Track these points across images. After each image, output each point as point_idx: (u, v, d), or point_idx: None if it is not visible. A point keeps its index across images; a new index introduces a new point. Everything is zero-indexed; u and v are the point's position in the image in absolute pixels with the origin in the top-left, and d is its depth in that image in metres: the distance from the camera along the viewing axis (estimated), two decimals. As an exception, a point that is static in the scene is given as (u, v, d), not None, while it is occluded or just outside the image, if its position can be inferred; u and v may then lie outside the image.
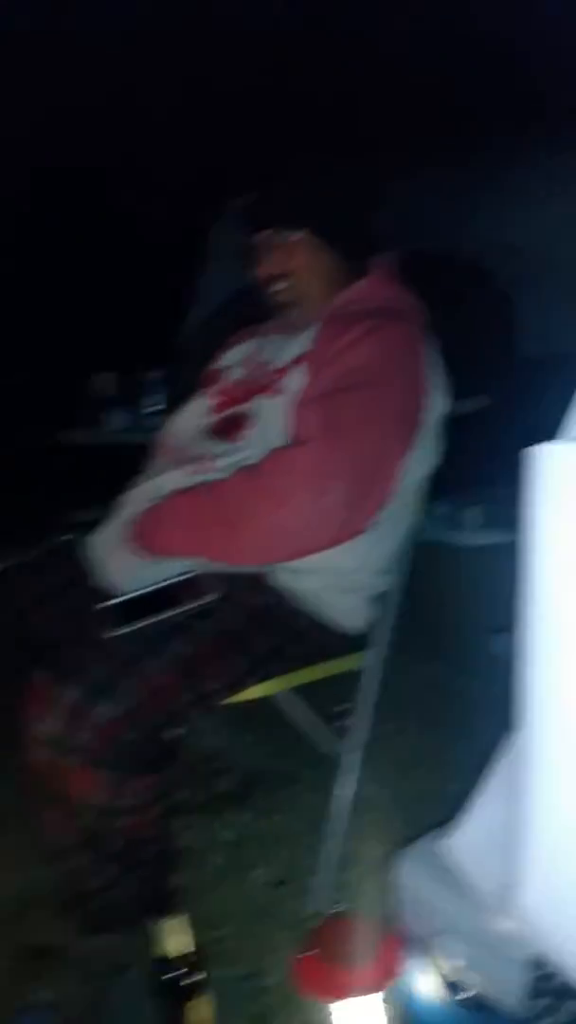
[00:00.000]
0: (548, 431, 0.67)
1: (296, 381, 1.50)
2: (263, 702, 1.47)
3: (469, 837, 0.94)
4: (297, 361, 1.52)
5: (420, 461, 1.52)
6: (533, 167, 2.34)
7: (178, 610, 1.38)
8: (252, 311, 1.77)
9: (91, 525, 1.64)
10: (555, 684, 0.57)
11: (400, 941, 1.04)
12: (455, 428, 1.58)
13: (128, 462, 1.86)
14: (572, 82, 2.45)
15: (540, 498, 0.56)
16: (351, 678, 1.56)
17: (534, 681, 0.59)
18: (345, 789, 1.49)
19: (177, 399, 2.68)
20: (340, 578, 1.49)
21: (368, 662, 1.55)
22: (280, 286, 1.60)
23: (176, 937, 1.16)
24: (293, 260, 1.58)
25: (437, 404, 1.52)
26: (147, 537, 1.44)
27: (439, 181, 2.45)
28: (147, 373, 2.87)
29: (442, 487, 1.64)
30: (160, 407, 2.81)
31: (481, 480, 2.27)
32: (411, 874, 1.08)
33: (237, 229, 2.95)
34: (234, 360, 1.72)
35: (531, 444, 0.61)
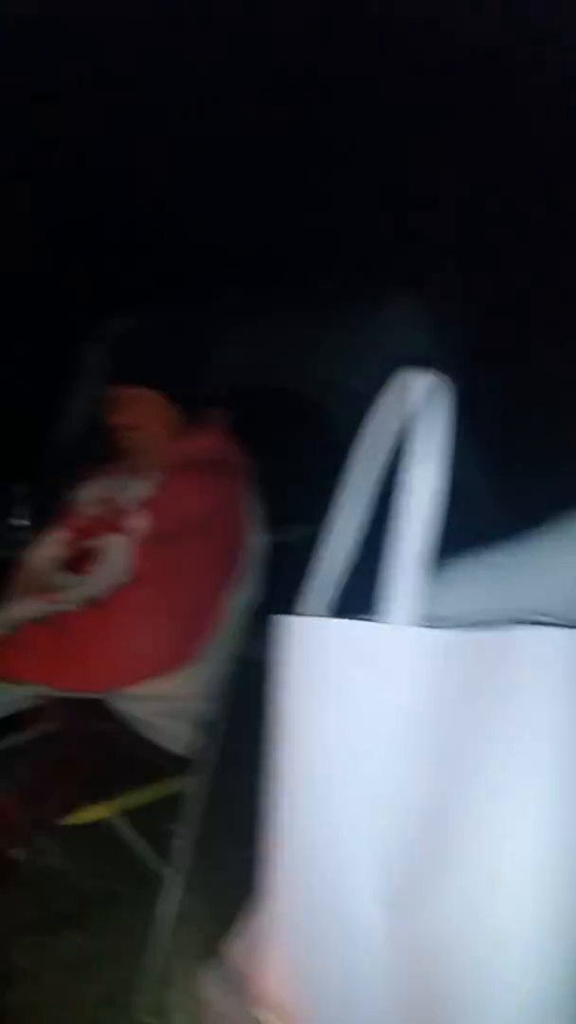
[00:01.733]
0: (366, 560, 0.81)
1: (138, 522, 1.66)
2: (100, 822, 1.56)
3: (246, 939, 1.07)
4: (140, 504, 1.69)
5: (242, 596, 1.71)
6: (354, 315, 2.59)
7: (22, 736, 1.48)
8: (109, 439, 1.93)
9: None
10: (278, 811, 0.72)
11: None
12: (285, 553, 1.77)
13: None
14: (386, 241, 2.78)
15: (278, 664, 0.71)
16: (183, 798, 1.67)
17: (269, 805, 0.74)
18: (168, 909, 1.59)
19: (41, 515, 2.80)
20: (170, 704, 1.64)
21: (194, 785, 1.67)
22: (126, 433, 1.78)
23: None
24: (138, 413, 1.77)
25: (256, 547, 1.72)
26: None
27: (279, 322, 2.67)
28: (13, 487, 2.97)
29: (271, 608, 1.81)
30: (25, 522, 2.91)
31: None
32: (210, 986, 1.19)
33: (100, 352, 3.14)
34: (87, 496, 1.87)
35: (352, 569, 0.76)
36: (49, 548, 1.80)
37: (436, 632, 0.62)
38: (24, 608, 1.66)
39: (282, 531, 1.78)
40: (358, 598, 0.72)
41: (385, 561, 0.65)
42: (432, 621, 0.72)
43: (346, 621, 0.65)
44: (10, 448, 3.58)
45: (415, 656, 0.62)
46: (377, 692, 0.63)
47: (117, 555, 1.66)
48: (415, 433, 0.65)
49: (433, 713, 0.62)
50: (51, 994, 1.73)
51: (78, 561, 1.71)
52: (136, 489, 1.73)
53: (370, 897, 0.62)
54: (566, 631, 0.60)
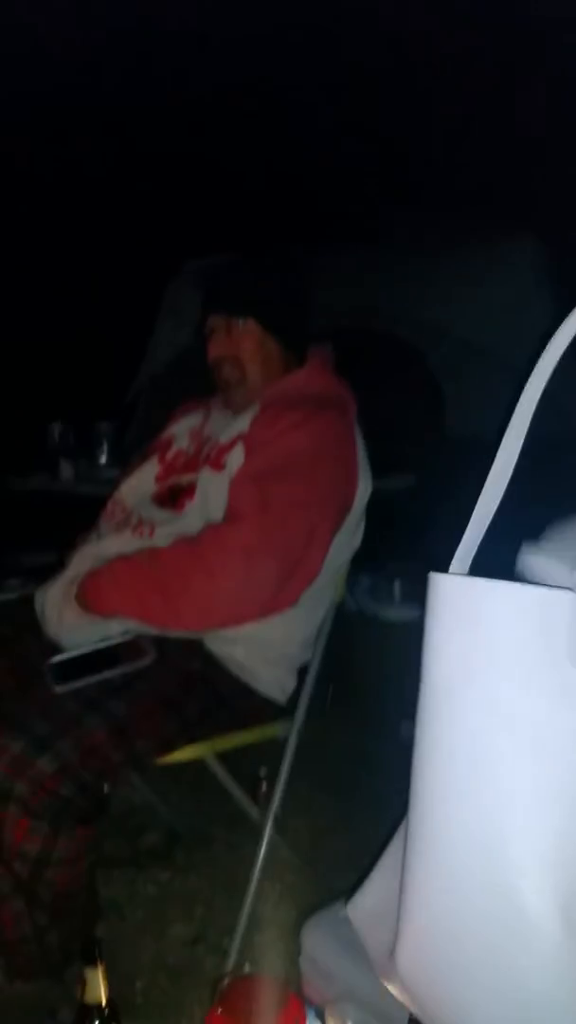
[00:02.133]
0: (470, 511, 0.76)
1: (236, 459, 1.60)
2: (193, 762, 1.53)
3: (365, 904, 1.02)
4: (238, 439, 1.62)
5: (346, 542, 1.64)
6: (462, 256, 2.47)
7: (117, 671, 1.45)
8: (197, 376, 1.87)
9: (43, 571, 1.72)
10: (433, 784, 0.66)
11: (301, 1005, 1.11)
12: (382, 503, 1.69)
13: (79, 510, 1.93)
14: (498, 178, 2.63)
15: (432, 620, 0.65)
16: (274, 744, 1.64)
17: (420, 776, 0.67)
18: (260, 852, 1.56)
19: (126, 453, 2.78)
20: (266, 649, 1.58)
21: (288, 730, 1.63)
22: (227, 367, 1.71)
23: (95, 988, 1.21)
24: (240, 345, 1.69)
25: (363, 489, 1.64)
26: (90, 597, 1.52)
27: (374, 264, 2.57)
28: (100, 425, 2.96)
29: (366, 559, 1.75)
30: (109, 459, 2.90)
31: (404, 554, 2.37)
32: (313, 940, 1.16)
33: (189, 289, 3.07)
34: (181, 431, 1.81)
35: (454, 522, 0.71)
36: (141, 482, 1.75)
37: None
38: (116, 542, 1.62)
39: (380, 479, 1.70)
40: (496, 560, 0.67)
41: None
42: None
43: (517, 585, 0.58)
44: (96, 387, 3.58)
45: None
46: (559, 664, 0.55)
47: (212, 492, 1.60)
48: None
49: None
50: (138, 930, 1.74)
51: (171, 497, 1.66)
52: (234, 424, 1.66)
53: (546, 898, 0.54)
54: None
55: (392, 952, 0.79)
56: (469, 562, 0.67)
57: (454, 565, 0.69)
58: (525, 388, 0.65)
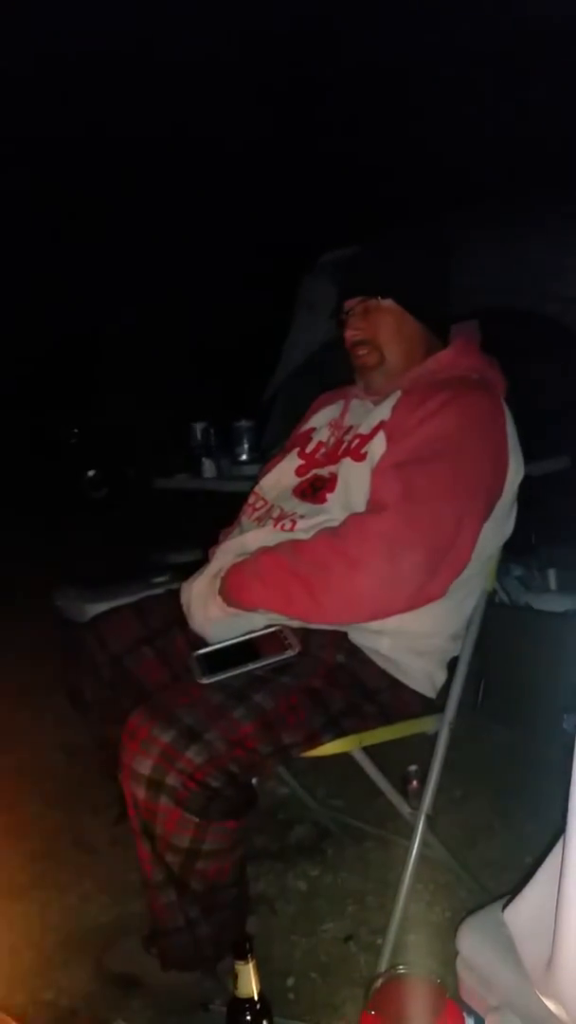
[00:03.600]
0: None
1: (378, 448, 1.55)
2: (339, 756, 1.51)
3: (523, 910, 0.96)
4: (380, 427, 1.58)
5: (496, 529, 1.56)
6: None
7: (261, 663, 1.45)
8: (336, 367, 1.84)
9: (188, 567, 1.74)
10: None
11: (459, 1011, 1.05)
12: (533, 488, 1.60)
13: (222, 507, 1.96)
14: None
15: None
16: (423, 740, 1.58)
17: None
18: (412, 851, 1.52)
19: (265, 449, 2.79)
20: (415, 641, 1.53)
21: (440, 725, 1.57)
22: (365, 350, 1.67)
23: (246, 983, 1.20)
24: (378, 327, 1.64)
25: (514, 473, 1.56)
26: (233, 591, 1.52)
27: (523, 239, 2.48)
28: (239, 423, 2.98)
29: (518, 548, 1.67)
30: (250, 456, 2.93)
31: (558, 540, 2.25)
32: (471, 944, 1.10)
33: (324, 283, 3.06)
34: (321, 423, 1.78)
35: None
36: (282, 476, 1.74)
37: None
38: (258, 536, 1.61)
39: (531, 463, 1.61)
40: None
41: None
42: None
43: None
44: (235, 387, 3.63)
45: None
46: None
47: (354, 482, 1.56)
48: None
49: None
50: (289, 925, 1.73)
51: (313, 489, 1.64)
52: (375, 412, 1.62)
53: None
54: None
55: (549, 966, 0.74)
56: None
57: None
58: None
